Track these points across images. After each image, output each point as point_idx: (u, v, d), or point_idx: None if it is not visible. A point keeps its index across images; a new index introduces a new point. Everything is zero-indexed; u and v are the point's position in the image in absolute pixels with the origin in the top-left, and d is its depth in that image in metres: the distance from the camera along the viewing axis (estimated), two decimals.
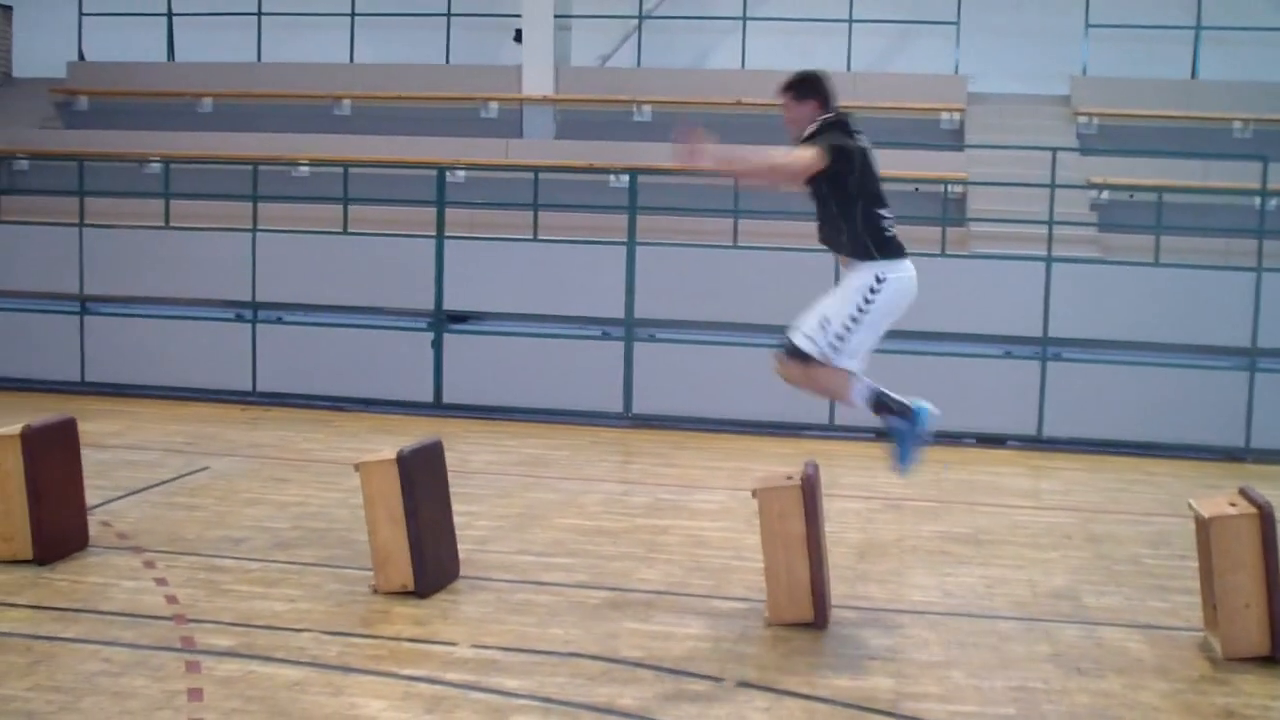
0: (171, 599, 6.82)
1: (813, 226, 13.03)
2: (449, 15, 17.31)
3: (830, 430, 12.60)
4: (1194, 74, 16.37)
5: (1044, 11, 16.79)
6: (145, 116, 16.68)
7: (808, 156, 6.55)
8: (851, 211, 6.68)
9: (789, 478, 6.72)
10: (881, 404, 6.80)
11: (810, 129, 6.76)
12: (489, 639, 6.35)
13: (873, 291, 6.66)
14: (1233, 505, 6.50)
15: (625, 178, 13.56)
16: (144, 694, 5.46)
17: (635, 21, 17.16)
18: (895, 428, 6.81)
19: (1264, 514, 6.34)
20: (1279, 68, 16.30)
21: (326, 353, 13.40)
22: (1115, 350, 12.44)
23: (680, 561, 7.89)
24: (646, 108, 16.02)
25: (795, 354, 6.68)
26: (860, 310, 6.64)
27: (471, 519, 8.57)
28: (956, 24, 16.53)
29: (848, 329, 6.63)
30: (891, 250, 6.73)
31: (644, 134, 15.68)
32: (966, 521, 9.25)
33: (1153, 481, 11.04)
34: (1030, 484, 10.97)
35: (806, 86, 6.88)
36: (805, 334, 6.67)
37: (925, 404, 6.79)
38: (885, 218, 6.73)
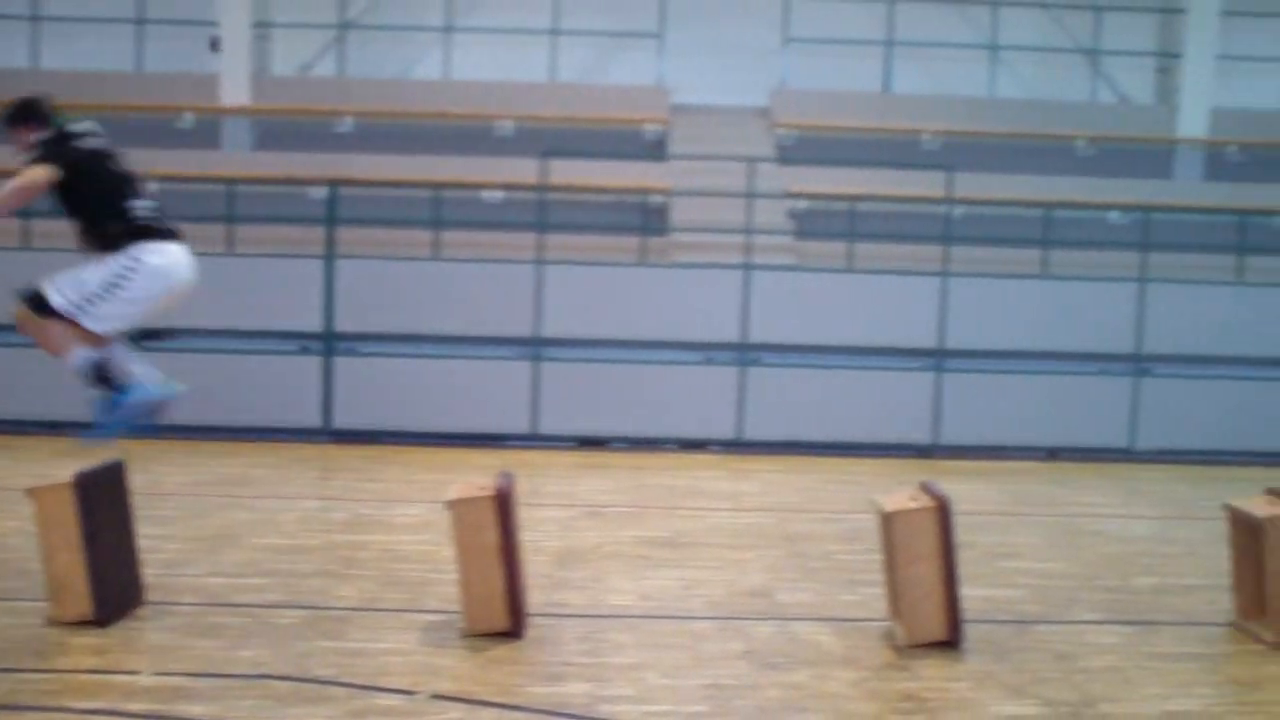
0: None
1: (469, 236, 13.13)
2: (141, 21, 16.72)
3: (533, 440, 12.65)
4: (886, 88, 17.01)
5: (744, 25, 17.17)
6: None
7: (38, 174, 6.87)
8: (91, 212, 7.02)
9: (483, 489, 6.67)
10: (102, 374, 7.04)
11: (35, 152, 7.02)
12: (174, 665, 6.09)
13: (130, 270, 6.96)
14: (913, 500, 6.73)
15: (325, 190, 13.30)
16: None
17: (337, 31, 16.86)
18: (100, 400, 7.03)
19: (941, 507, 6.58)
20: (965, 82, 17.12)
21: (8, 374, 12.72)
22: (811, 354, 12.83)
23: (377, 577, 7.76)
24: (349, 119, 15.78)
25: (37, 303, 6.91)
26: (117, 281, 6.94)
27: (162, 542, 8.25)
28: (659, 37, 16.79)
29: (100, 296, 6.90)
30: (146, 235, 7.05)
31: (346, 145, 15.47)
32: (666, 525, 9.36)
33: (848, 480, 11.39)
34: (730, 486, 11.19)
35: (20, 114, 7.13)
36: (57, 287, 6.90)
37: (155, 387, 7.13)
38: (129, 210, 7.05)
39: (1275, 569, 6.69)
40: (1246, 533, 7.02)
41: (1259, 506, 6.91)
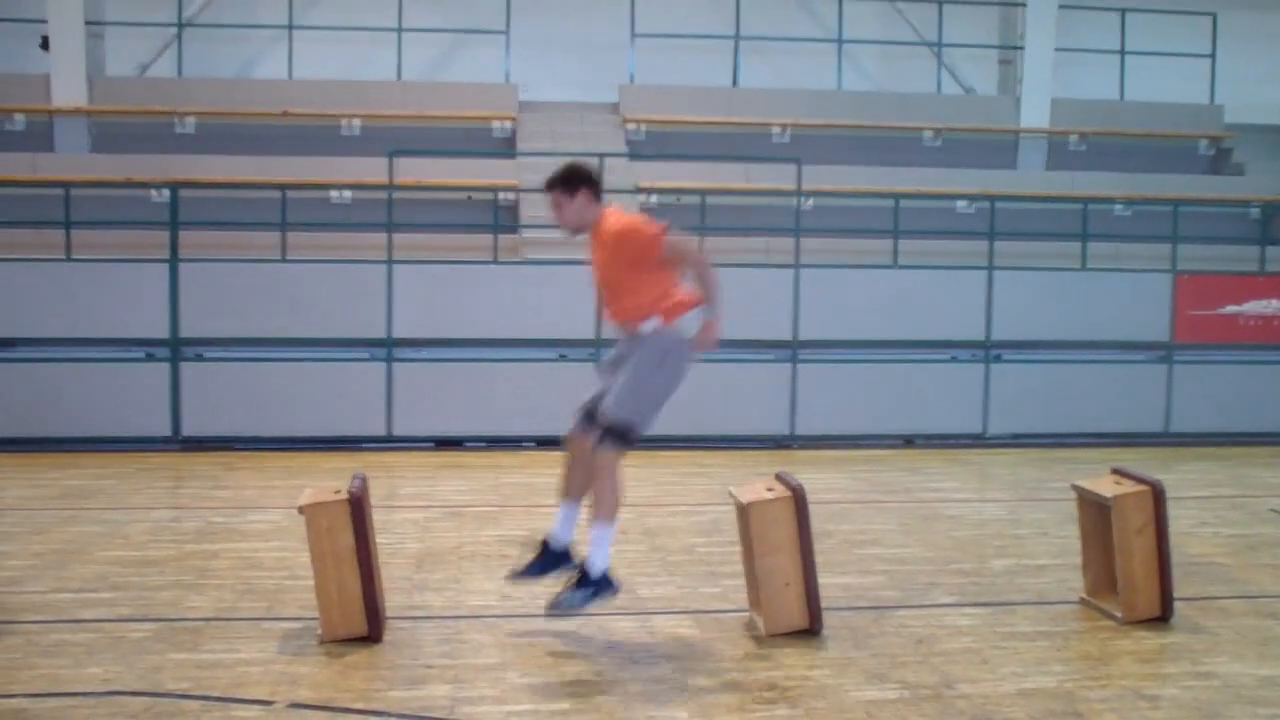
0: None
1: (317, 237, 12.82)
2: None
3: (389, 442, 12.49)
4: (735, 82, 17.11)
5: (591, 21, 17.17)
6: None
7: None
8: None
9: (336, 492, 6.55)
10: None
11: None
12: (16, 686, 5.86)
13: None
14: (769, 490, 6.75)
15: (166, 192, 12.98)
16: None
17: (175, 30, 16.46)
18: None
19: (797, 497, 6.62)
20: (812, 75, 17.30)
21: None
22: None
23: (232, 586, 7.57)
24: (190, 119, 15.43)
25: None
26: None
27: (1, 560, 7.97)
28: (506, 33, 16.69)
29: None
30: None
31: (187, 146, 15.13)
32: (526, 524, 9.25)
33: (706, 473, 11.42)
34: None
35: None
36: None
37: None
38: None
39: (1123, 547, 6.84)
40: (1095, 512, 7.17)
41: (1106, 486, 7.05)
